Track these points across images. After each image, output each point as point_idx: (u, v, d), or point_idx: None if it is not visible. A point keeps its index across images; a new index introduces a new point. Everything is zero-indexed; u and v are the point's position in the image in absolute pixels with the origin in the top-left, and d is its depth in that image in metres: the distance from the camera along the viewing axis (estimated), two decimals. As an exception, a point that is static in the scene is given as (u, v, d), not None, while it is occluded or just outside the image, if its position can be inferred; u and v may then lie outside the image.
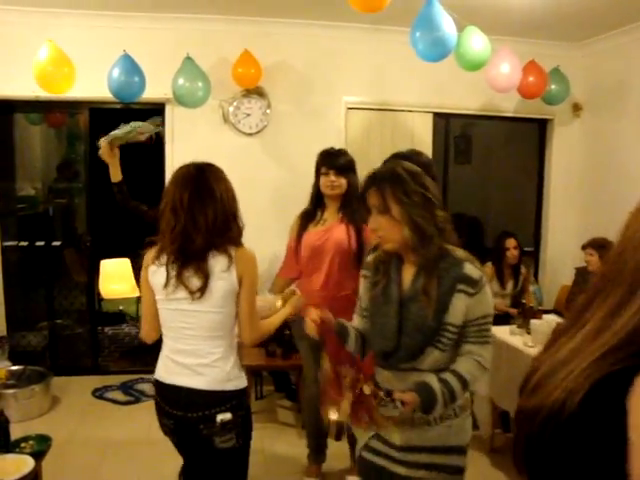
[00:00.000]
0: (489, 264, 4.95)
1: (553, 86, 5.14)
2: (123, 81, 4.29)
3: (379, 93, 5.30)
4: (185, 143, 5.00)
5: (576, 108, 5.70)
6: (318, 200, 3.40)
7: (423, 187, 1.90)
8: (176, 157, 4.98)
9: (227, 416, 2.10)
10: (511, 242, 4.93)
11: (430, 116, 5.46)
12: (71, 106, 5.07)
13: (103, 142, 3.26)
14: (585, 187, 5.75)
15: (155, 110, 5.00)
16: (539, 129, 5.92)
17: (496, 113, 5.63)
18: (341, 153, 3.45)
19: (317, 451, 3.56)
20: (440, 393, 1.82)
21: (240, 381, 2.19)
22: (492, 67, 4.50)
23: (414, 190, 1.88)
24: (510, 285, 4.98)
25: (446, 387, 1.83)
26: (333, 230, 3.29)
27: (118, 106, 4.90)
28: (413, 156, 2.82)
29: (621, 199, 5.21)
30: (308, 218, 3.42)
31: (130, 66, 4.32)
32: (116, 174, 3.27)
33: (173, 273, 2.09)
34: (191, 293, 2.07)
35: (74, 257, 5.53)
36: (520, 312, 3.98)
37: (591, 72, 5.56)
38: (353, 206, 3.23)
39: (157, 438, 2.43)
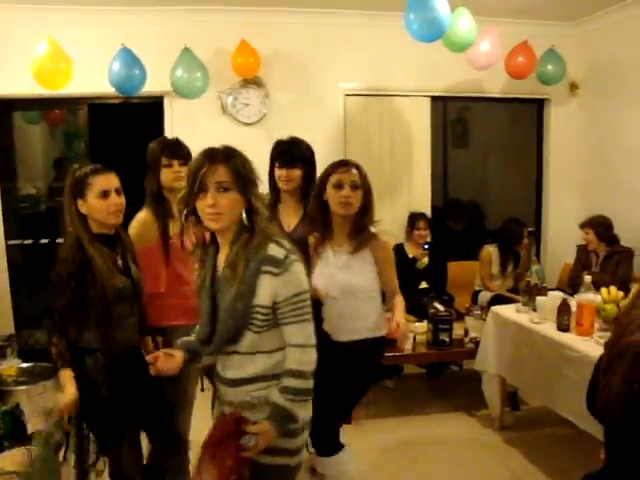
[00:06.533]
0: (493, 247, 4.98)
1: (549, 66, 5.15)
2: (124, 74, 4.31)
3: (376, 79, 5.32)
4: (185, 135, 4.91)
5: (573, 87, 5.71)
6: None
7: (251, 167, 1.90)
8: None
9: None
10: (526, 232, 5.00)
11: (427, 100, 5.48)
12: (69, 102, 5.06)
13: None
14: (584, 165, 5.77)
15: (154, 104, 5.03)
16: (537, 110, 5.95)
17: (492, 94, 5.65)
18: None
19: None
20: (286, 401, 1.81)
21: None
22: (474, 46, 4.50)
23: (250, 168, 1.88)
24: (510, 268, 5.02)
25: (288, 391, 1.82)
26: None
27: (116, 101, 4.90)
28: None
29: (620, 176, 5.24)
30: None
31: (130, 59, 4.34)
32: None
33: None
34: None
35: (78, 254, 5.50)
36: (525, 290, 3.99)
37: (586, 51, 5.57)
38: None
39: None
